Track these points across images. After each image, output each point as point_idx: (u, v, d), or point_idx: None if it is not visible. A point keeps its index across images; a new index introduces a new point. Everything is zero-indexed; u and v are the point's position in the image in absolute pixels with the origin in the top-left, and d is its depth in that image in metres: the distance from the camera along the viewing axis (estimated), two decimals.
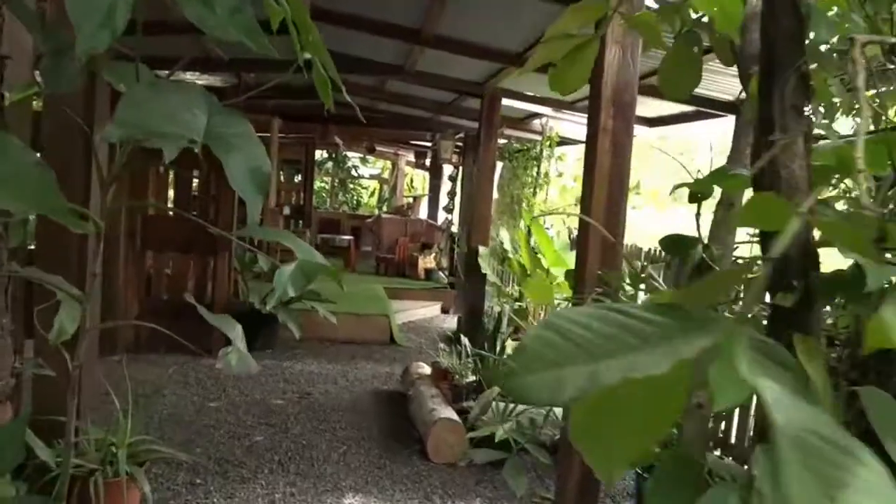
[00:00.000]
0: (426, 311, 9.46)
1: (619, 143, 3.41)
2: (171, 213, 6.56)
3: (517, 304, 7.51)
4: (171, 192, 6.78)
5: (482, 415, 3.98)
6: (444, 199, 12.65)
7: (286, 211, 13.88)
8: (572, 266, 6.68)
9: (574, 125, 8.05)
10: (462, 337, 5.32)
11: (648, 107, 6.33)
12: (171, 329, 5.84)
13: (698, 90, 4.79)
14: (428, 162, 15.08)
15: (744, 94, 2.25)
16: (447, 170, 14.49)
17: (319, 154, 20.16)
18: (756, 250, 2.40)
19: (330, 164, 19.91)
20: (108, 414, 3.51)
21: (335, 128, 11.58)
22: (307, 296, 6.72)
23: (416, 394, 4.91)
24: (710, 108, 5.31)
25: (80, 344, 1.85)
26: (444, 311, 9.80)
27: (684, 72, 1.55)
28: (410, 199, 15.18)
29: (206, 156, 1.41)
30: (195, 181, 6.60)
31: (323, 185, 20.87)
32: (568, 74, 1.25)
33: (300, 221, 14.15)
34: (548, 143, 7.43)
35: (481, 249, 6.47)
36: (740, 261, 2.24)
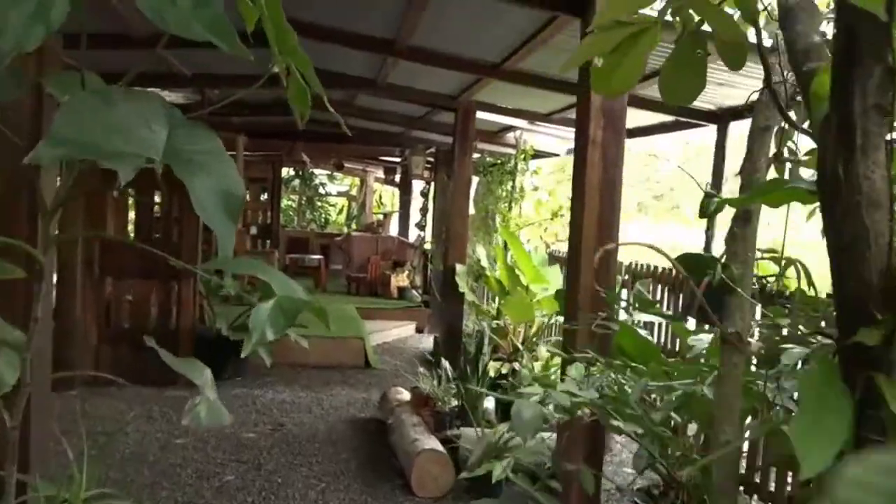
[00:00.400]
0: (401, 331, 9.20)
1: (609, 155, 3.24)
2: (130, 242, 6.23)
3: (495, 322, 7.32)
4: (131, 215, 6.45)
5: (484, 459, 3.71)
6: (415, 216, 12.44)
7: (253, 231, 13.52)
8: (552, 282, 6.52)
9: (549, 138, 7.92)
10: (442, 360, 5.08)
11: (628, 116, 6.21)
12: (134, 359, 5.49)
13: None
14: (398, 178, 14.86)
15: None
16: (417, 186, 14.30)
17: (286, 172, 19.87)
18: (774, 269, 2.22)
19: (297, 182, 19.57)
20: (62, 462, 3.19)
21: (302, 145, 11.30)
22: None
23: (396, 422, 4.66)
24: (691, 117, 5.20)
25: (18, 400, 1.58)
26: (419, 330, 9.55)
27: (687, 76, 1.38)
28: (381, 216, 14.95)
29: (167, 174, 1.20)
30: (157, 201, 6.28)
31: (290, 203, 20.50)
32: (617, 72, 1.05)
33: (268, 241, 13.81)
34: (522, 156, 7.28)
35: (458, 267, 6.27)
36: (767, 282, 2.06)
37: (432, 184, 9.92)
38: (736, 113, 4.88)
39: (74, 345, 5.73)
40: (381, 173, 15.64)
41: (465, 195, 6.29)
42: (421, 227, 9.82)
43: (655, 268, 5.71)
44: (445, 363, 5.08)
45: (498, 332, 6.67)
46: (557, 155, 8.08)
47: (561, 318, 6.91)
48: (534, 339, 6.91)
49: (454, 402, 4.90)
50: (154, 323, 6.17)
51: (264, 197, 14.80)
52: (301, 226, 18.55)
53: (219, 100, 7.28)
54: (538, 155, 7.79)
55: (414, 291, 10.21)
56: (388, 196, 20.61)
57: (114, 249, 6.03)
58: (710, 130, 6.28)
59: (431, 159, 10.64)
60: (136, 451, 4.54)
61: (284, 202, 20.47)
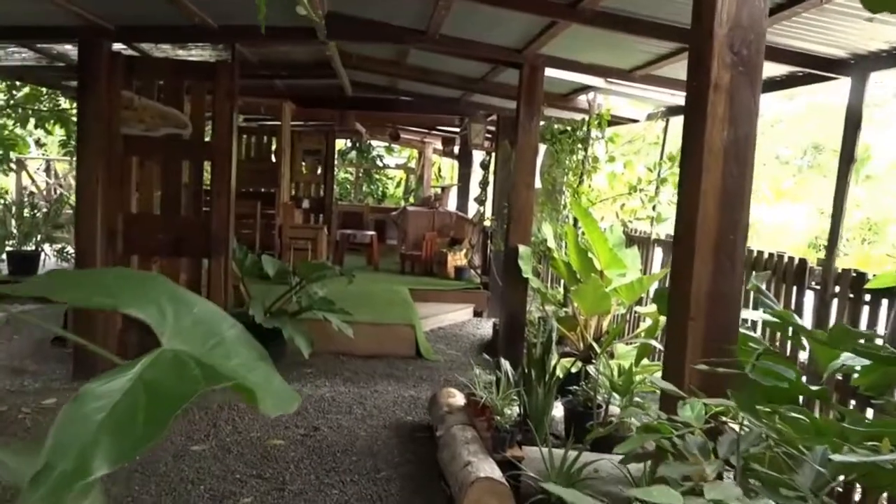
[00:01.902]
0: (457, 316, 8.44)
1: (740, 104, 2.34)
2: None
3: (563, 309, 6.47)
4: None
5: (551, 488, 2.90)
6: (474, 189, 11.59)
7: (305, 204, 12.94)
8: (630, 267, 5.62)
9: (626, 102, 6.94)
10: (502, 361, 4.28)
11: None
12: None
13: (807, 45, 3.56)
14: (457, 149, 14.02)
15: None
16: (478, 157, 13.42)
17: (343, 143, 19.28)
18: None
19: (354, 154, 18.97)
20: None
21: (354, 113, 10.57)
22: (318, 305, 5.75)
23: (447, 437, 3.90)
24: (818, 68, 4.17)
25: None
26: (477, 314, 8.78)
27: None
28: (438, 190, 14.16)
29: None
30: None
31: (347, 176, 19.95)
32: None
33: (321, 215, 13.23)
34: (597, 122, 6.34)
35: (521, 249, 5.43)
36: None
37: (493, 154, 9.05)
38: (879, 59, 3.83)
39: (95, 330, 5.18)
40: (439, 144, 14.83)
41: (531, 166, 5.42)
42: (480, 201, 8.99)
43: (780, 257, 4.66)
44: (506, 365, 4.28)
45: (565, 321, 5.83)
46: (636, 121, 7.09)
47: (641, 309, 6.03)
48: (608, 334, 6.04)
49: (516, 410, 4.12)
50: None
51: (319, 171, 14.22)
52: (358, 199, 17.98)
53: (254, 60, 6.59)
54: (613, 121, 6.82)
55: (472, 272, 9.42)
56: (448, 168, 19.82)
57: (139, 223, 5.44)
58: (824, 87, 5.20)
59: (492, 128, 9.76)
60: (147, 459, 3.92)
61: (341, 175, 19.96)
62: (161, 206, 5.49)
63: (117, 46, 5.38)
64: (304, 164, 13.78)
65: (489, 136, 9.98)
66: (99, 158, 5.12)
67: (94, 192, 5.12)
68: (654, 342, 3.78)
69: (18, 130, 9.79)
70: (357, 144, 18.32)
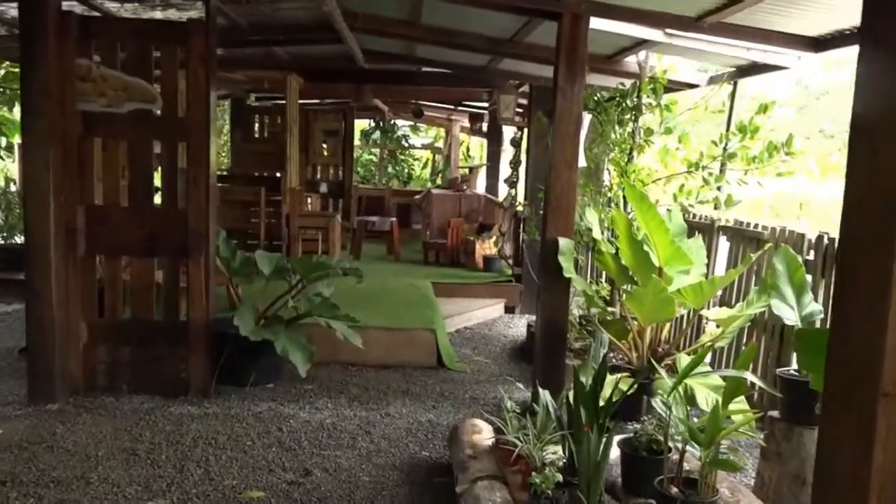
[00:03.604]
0: (486, 313, 7.49)
1: None
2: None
3: (609, 310, 5.48)
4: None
5: None
6: (505, 170, 10.58)
7: (323, 188, 12.10)
8: (696, 262, 4.59)
9: (685, 61, 5.86)
10: (542, 394, 3.31)
11: (807, 20, 4.11)
12: (137, 359, 4.07)
13: None
14: (485, 126, 13.00)
15: None
16: (508, 134, 12.38)
17: (367, 123, 18.34)
18: None
19: (377, 135, 18.03)
20: None
21: (371, 88, 9.62)
22: (319, 310, 4.85)
23: (469, 499, 2.96)
24: None
25: None
26: (509, 310, 7.82)
27: None
28: (466, 171, 13.16)
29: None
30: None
31: (371, 157, 19.04)
32: None
33: (340, 200, 12.35)
34: (650, 86, 5.29)
35: (562, 242, 4.43)
36: None
37: (525, 130, 8.02)
38: None
39: (52, 344, 4.35)
40: (466, 121, 13.81)
41: (573, 141, 4.41)
42: (512, 183, 7.98)
43: None
44: (545, 396, 3.32)
45: (612, 326, 4.85)
46: (695, 86, 6.00)
47: (707, 313, 4.99)
48: (667, 343, 5.03)
49: (558, 452, 3.17)
50: (158, 314, 4.70)
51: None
52: (383, 182, 17.08)
53: (244, 21, 5.66)
54: (668, 87, 5.73)
55: (503, 262, 8.44)
56: (476, 147, 18.77)
57: (104, 216, 4.58)
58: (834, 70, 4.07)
59: (524, 101, 8.72)
60: None
61: (365, 156, 19.05)
62: (129, 197, 4.61)
63: (68, 4, 4.49)
64: (324, 145, 12.90)
65: (520, 109, 8.94)
66: (50, 140, 4.25)
67: (46, 180, 4.26)
68: (749, 376, 2.78)
69: (6, 114, 9.07)
70: (380, 124, 17.37)
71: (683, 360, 4.38)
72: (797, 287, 3.37)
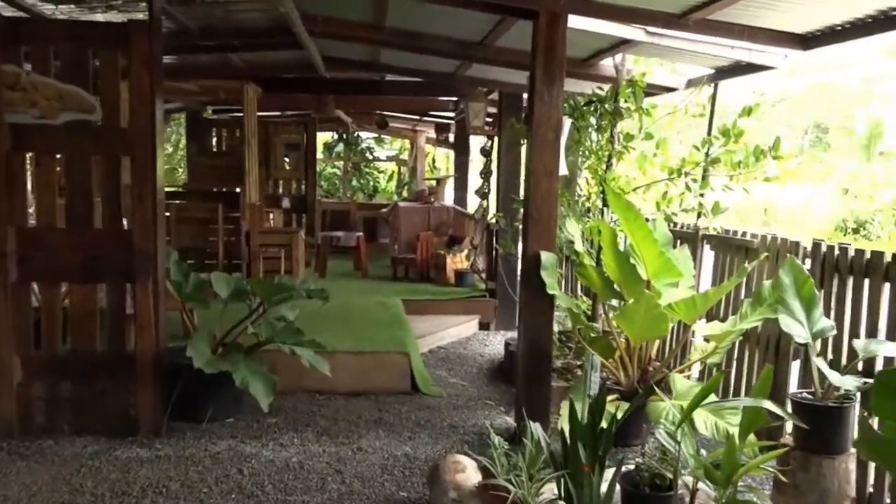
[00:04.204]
0: (460, 330, 7.14)
1: None
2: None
3: (592, 325, 5.16)
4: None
5: None
6: (473, 181, 10.29)
7: (286, 203, 11.66)
8: (686, 274, 4.31)
9: (663, 64, 5.62)
10: (532, 427, 2.97)
11: (794, 14, 3.88)
12: (79, 396, 3.57)
13: None
14: (452, 137, 12.71)
15: None
16: (475, 144, 12.11)
17: (330, 136, 17.92)
18: None
19: (341, 147, 17.63)
20: None
21: (334, 98, 9.25)
22: (282, 336, 4.45)
23: None
24: None
25: None
26: (484, 326, 7.49)
27: None
28: (433, 183, 12.83)
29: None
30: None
31: (335, 170, 18.62)
32: None
33: (303, 215, 11.92)
34: (628, 90, 5.03)
35: (544, 257, 4.12)
36: None
37: (495, 139, 7.73)
38: None
39: None
40: (431, 132, 13.52)
41: (553, 147, 4.11)
42: (483, 194, 7.67)
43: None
44: (536, 429, 2.98)
45: (596, 343, 4.53)
46: (672, 89, 5.78)
47: (699, 328, 4.72)
48: (658, 362, 4.75)
49: (553, 495, 2.83)
50: (102, 345, 4.25)
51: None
52: (348, 196, 16.67)
53: (194, 25, 5.25)
54: (646, 92, 5.48)
55: (476, 276, 8.11)
56: (443, 159, 18.49)
57: (38, 239, 4.12)
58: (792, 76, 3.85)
59: (493, 109, 8.44)
60: None
61: (328, 170, 18.62)
62: (67, 217, 4.16)
63: None
64: (286, 159, 12.47)
65: (489, 119, 8.66)
66: None
67: None
68: (769, 405, 2.48)
69: None
70: (344, 136, 16.98)
71: (677, 380, 4.09)
72: (806, 301, 3.10)
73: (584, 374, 3.69)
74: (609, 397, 4.06)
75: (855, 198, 18.44)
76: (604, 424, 2.85)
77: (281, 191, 11.89)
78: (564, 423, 3.36)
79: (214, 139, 10.61)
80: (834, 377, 2.74)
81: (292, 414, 4.67)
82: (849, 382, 2.70)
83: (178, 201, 7.33)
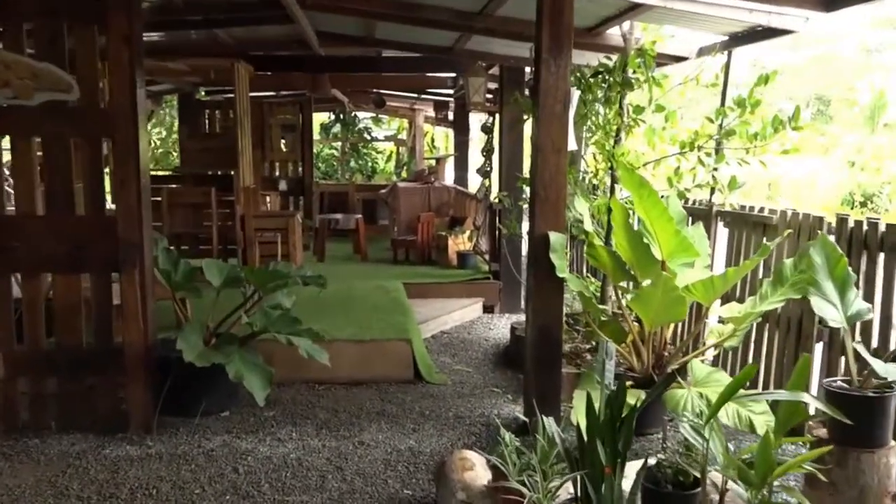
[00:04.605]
0: (463, 314, 6.93)
1: None
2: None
3: (604, 310, 4.93)
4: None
5: None
6: (474, 160, 10.03)
7: (283, 186, 11.40)
8: (703, 254, 4.07)
9: (675, 31, 5.35)
10: (544, 421, 2.76)
11: None
12: (66, 391, 3.39)
13: None
14: (451, 115, 12.43)
15: None
16: (475, 122, 11.83)
17: (326, 116, 17.59)
18: None
19: (338, 128, 17.32)
20: None
21: (329, 77, 8.95)
22: (278, 325, 4.24)
23: None
24: None
25: None
26: (487, 309, 7.27)
27: None
28: (432, 162, 12.56)
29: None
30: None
31: (332, 151, 18.31)
32: None
33: (301, 197, 11.67)
34: (637, 59, 4.77)
35: (553, 238, 3.89)
36: None
37: (497, 115, 7.47)
38: None
39: None
40: (430, 111, 13.23)
41: (561, 120, 3.87)
42: (485, 173, 7.42)
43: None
44: (550, 425, 2.77)
45: (606, 326, 4.31)
46: (683, 59, 5.51)
47: (716, 310, 4.49)
48: (673, 346, 4.54)
49: (569, 496, 2.63)
50: (89, 338, 4.04)
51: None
52: (346, 177, 16.40)
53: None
54: (656, 62, 5.20)
55: (478, 257, 7.89)
56: (442, 138, 18.19)
57: (17, 228, 3.90)
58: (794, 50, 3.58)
59: (494, 85, 8.15)
60: None
61: (326, 150, 18.32)
62: (46, 204, 3.93)
63: None
64: (283, 140, 12.19)
65: (490, 94, 8.38)
66: None
67: None
68: (809, 399, 2.26)
69: None
70: (341, 116, 16.67)
71: (697, 367, 3.88)
72: (840, 282, 2.87)
73: (598, 362, 3.48)
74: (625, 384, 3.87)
75: (861, 170, 18.12)
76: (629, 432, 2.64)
77: (277, 173, 11.62)
78: (580, 417, 3.15)
79: (207, 121, 10.34)
80: (878, 366, 2.52)
81: (290, 406, 4.47)
82: (894, 371, 2.49)
83: (170, 185, 7.11)
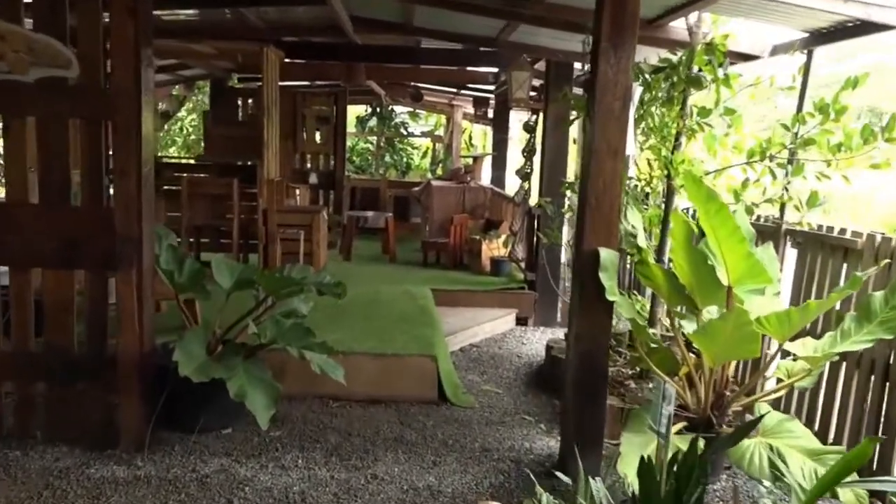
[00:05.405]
0: (495, 326, 6.44)
1: None
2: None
3: (653, 335, 4.40)
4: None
5: None
6: (513, 160, 9.52)
7: (313, 179, 11.03)
8: (772, 276, 3.53)
9: (746, 29, 4.79)
10: (593, 486, 2.27)
11: None
12: (54, 399, 3.08)
13: None
14: (491, 112, 11.93)
15: None
16: (515, 121, 11.32)
17: (363, 109, 17.22)
18: None
19: (374, 121, 16.93)
20: None
21: (365, 67, 8.52)
22: (288, 337, 3.81)
23: None
24: None
25: None
26: (521, 321, 6.78)
27: None
28: (469, 161, 12.08)
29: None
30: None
31: (368, 145, 17.95)
32: None
33: (331, 191, 11.29)
34: (704, 55, 4.22)
35: (604, 255, 3.38)
36: None
37: (540, 113, 6.95)
38: None
39: None
40: (469, 108, 12.74)
41: (620, 119, 3.36)
42: (525, 175, 6.91)
43: None
44: (598, 490, 2.27)
45: (656, 354, 3.79)
46: (755, 58, 4.94)
47: (792, 347, 3.91)
48: (735, 383, 4.00)
49: None
50: (81, 344, 3.65)
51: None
52: (380, 173, 16.02)
53: None
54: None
55: (513, 265, 7.39)
56: (480, 136, 17.69)
57: (7, 218, 3.52)
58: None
59: (537, 83, 7.64)
60: None
61: (361, 144, 17.95)
62: (41, 192, 3.55)
63: None
64: (318, 132, 11.81)
65: (534, 91, 7.87)
66: None
67: None
68: None
69: None
70: (377, 109, 16.28)
71: (765, 410, 3.35)
72: None
73: (652, 404, 2.97)
74: (675, 426, 3.36)
75: None
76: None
77: (309, 165, 11.26)
78: (630, 475, 2.66)
79: (240, 110, 10.01)
80: None
81: (300, 425, 4.04)
82: None
83: (191, 175, 6.75)
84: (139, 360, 3.58)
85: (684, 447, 3.06)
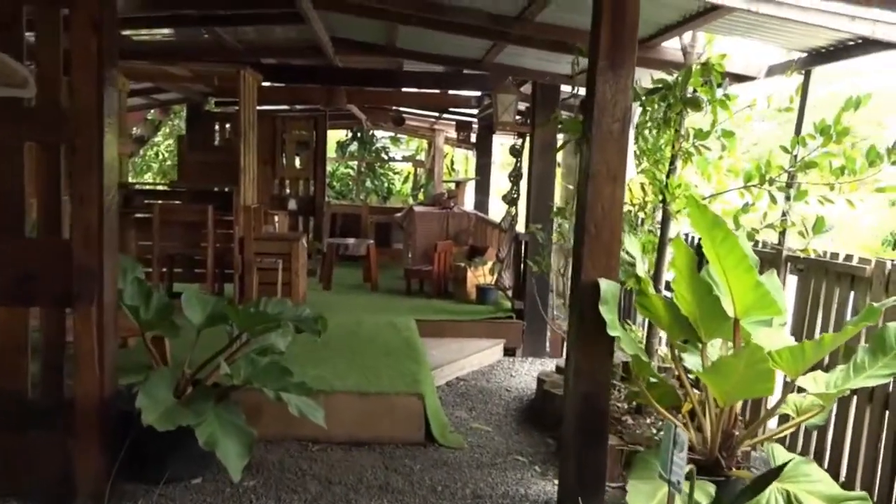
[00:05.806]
0: (482, 357, 6.17)
1: None
2: None
3: (654, 368, 4.17)
4: None
5: None
6: (497, 184, 9.34)
7: (292, 205, 10.76)
8: (780, 306, 3.32)
9: (742, 48, 4.65)
10: None
11: None
12: (8, 446, 2.77)
13: None
14: (474, 136, 11.77)
15: None
16: (498, 144, 11.19)
17: (343, 134, 17.02)
18: None
19: (355, 146, 16.72)
20: None
21: (345, 91, 8.33)
22: (263, 377, 3.52)
23: None
24: None
25: None
26: (509, 351, 6.52)
27: None
28: (451, 186, 11.89)
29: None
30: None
31: (348, 171, 17.72)
32: None
33: (311, 218, 11.02)
34: (700, 75, 4.06)
35: (604, 286, 3.16)
36: None
37: (527, 137, 6.77)
38: None
39: None
40: (451, 132, 12.59)
41: (619, 141, 3.15)
42: (511, 200, 6.71)
43: None
44: None
45: (656, 389, 3.57)
46: (750, 78, 4.80)
47: (803, 383, 3.67)
48: (743, 423, 3.77)
49: None
50: (35, 386, 3.34)
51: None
52: (360, 198, 15.77)
53: None
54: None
55: (499, 293, 7.15)
56: (462, 160, 17.55)
57: None
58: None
59: (524, 105, 7.48)
60: None
61: (342, 170, 17.72)
62: None
63: None
64: (297, 157, 11.57)
65: (519, 116, 7.70)
66: None
67: None
68: None
69: None
70: (358, 134, 16.08)
71: (780, 454, 3.12)
72: None
73: (661, 451, 2.74)
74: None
75: None
76: None
77: (288, 191, 10.99)
78: None
79: (218, 135, 9.76)
80: None
81: (276, 473, 3.73)
82: None
83: (163, 201, 6.46)
84: (99, 404, 3.27)
85: (697, 495, 2.82)
